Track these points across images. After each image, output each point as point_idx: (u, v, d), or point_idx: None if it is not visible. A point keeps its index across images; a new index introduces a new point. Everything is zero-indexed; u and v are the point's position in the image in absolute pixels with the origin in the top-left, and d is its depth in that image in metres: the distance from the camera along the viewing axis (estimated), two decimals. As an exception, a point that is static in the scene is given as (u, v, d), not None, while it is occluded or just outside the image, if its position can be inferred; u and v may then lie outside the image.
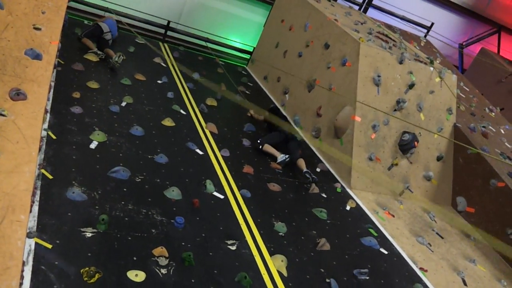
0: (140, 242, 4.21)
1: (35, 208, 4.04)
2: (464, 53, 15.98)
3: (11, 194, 3.58)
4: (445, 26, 15.08)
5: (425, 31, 13.52)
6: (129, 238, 4.21)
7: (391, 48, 8.31)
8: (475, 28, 16.22)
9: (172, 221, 4.64)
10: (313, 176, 6.66)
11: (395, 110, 7.65)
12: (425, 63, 8.22)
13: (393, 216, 6.79)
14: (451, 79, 8.42)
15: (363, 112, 7.37)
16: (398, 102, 7.63)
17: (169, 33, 11.17)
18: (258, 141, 7.05)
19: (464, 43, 15.90)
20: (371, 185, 7.28)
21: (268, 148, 6.98)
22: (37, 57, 5.14)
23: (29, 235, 3.71)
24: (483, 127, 8.85)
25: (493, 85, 14.20)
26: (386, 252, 5.75)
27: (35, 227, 3.87)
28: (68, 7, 8.22)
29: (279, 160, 6.84)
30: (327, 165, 7.49)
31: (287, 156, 6.88)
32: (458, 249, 6.70)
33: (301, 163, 6.88)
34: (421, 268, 5.70)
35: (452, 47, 15.83)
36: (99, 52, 7.98)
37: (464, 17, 15.96)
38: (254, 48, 11.58)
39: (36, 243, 3.72)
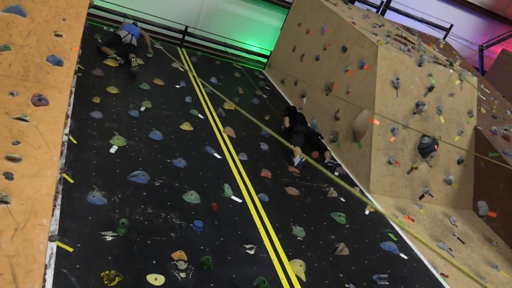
0: (159, 246, 4.24)
1: (57, 212, 4.11)
2: (484, 54, 15.72)
3: (33, 198, 3.64)
4: (465, 28, 14.86)
5: (444, 32, 13.35)
6: (149, 242, 4.24)
7: (410, 50, 8.24)
8: (495, 29, 15.95)
9: (190, 225, 4.66)
10: (334, 163, 7.34)
11: (414, 113, 7.57)
12: (445, 65, 8.12)
13: (413, 220, 6.70)
14: (472, 81, 8.30)
15: (381, 115, 7.30)
16: (417, 105, 7.55)
17: (187, 38, 11.26)
18: (292, 146, 7.05)
19: (484, 45, 15.64)
20: (390, 189, 7.20)
21: (295, 149, 7.01)
22: (58, 63, 5.23)
23: (51, 239, 3.76)
24: (505, 130, 8.69)
25: (515, 87, 13.93)
26: (406, 257, 5.67)
27: (57, 230, 3.92)
28: (88, 14, 8.38)
29: (295, 164, 6.91)
30: (345, 169, 7.44)
31: (302, 157, 6.92)
32: (480, 254, 6.58)
33: (327, 154, 7.54)
34: (442, 274, 5.61)
35: (472, 48, 15.60)
36: (118, 57, 8.09)
37: (484, 18, 15.70)
38: (271, 52, 11.60)
39: (58, 247, 3.77)
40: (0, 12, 5.36)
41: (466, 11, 15.25)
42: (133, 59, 7.84)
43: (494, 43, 15.74)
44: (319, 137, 7.88)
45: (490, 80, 12.82)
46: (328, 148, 7.80)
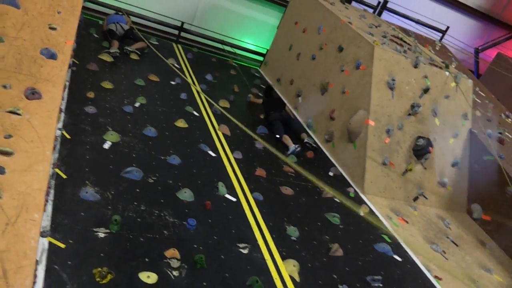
0: (152, 243, 4.19)
1: (49, 207, 4.04)
2: (480, 57, 15.77)
3: (25, 193, 3.58)
4: (461, 30, 14.89)
5: (441, 35, 13.37)
6: (141, 239, 4.19)
7: (406, 51, 8.23)
8: (491, 32, 16.00)
9: (184, 222, 4.61)
10: (313, 145, 7.60)
11: (409, 114, 7.55)
12: (440, 68, 8.12)
13: (407, 222, 6.70)
14: (467, 84, 8.30)
15: (377, 116, 7.29)
16: (412, 106, 7.54)
17: (183, 34, 11.18)
18: (277, 136, 7.65)
19: (480, 48, 15.70)
20: (385, 190, 7.19)
21: (285, 139, 7.53)
22: (52, 56, 5.16)
23: (42, 234, 3.70)
24: (500, 133, 8.71)
25: (509, 90, 13.96)
26: (400, 259, 5.66)
27: (49, 226, 3.86)
28: (83, 8, 8.31)
29: (290, 151, 7.26)
30: (340, 169, 7.41)
31: (297, 146, 7.32)
32: (473, 257, 6.58)
33: (304, 135, 7.86)
34: (435, 277, 5.60)
35: (467, 51, 15.65)
36: (111, 50, 8.03)
37: (480, 21, 15.75)
38: (267, 50, 11.55)
39: (50, 242, 3.71)
40: (-7, 4, 5.27)
41: (463, 14, 15.29)
42: (115, 51, 8.12)
43: (490, 46, 15.79)
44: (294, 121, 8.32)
45: (485, 83, 12.85)
46: (304, 132, 8.10)
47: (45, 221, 3.87)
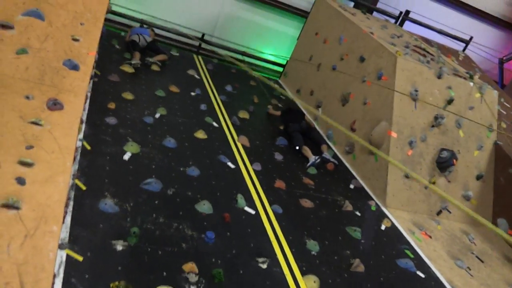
0: (170, 257, 4.14)
1: (68, 219, 4.04)
2: (504, 68, 15.44)
3: (44, 204, 3.58)
4: (485, 40, 14.62)
5: (464, 45, 13.14)
6: (160, 252, 4.15)
7: (429, 62, 8.08)
8: (516, 42, 15.70)
9: (202, 235, 4.56)
10: (331, 160, 7.40)
11: (432, 126, 7.39)
12: (465, 78, 7.95)
13: (430, 237, 6.52)
14: (492, 95, 8.11)
15: (399, 127, 7.15)
16: (436, 118, 7.38)
17: (204, 45, 11.24)
18: (297, 148, 7.54)
19: (504, 58, 15.37)
20: (407, 204, 7.03)
21: (305, 151, 7.41)
22: (75, 67, 5.20)
23: (61, 247, 3.69)
24: (526, 145, 8.46)
25: (535, 101, 13.61)
26: (423, 276, 5.49)
27: (67, 238, 3.85)
28: (105, 19, 8.42)
29: (310, 163, 7.14)
30: (361, 181, 7.28)
31: (317, 157, 7.22)
32: (500, 274, 6.35)
33: (324, 147, 7.71)
34: (460, 294, 5.42)
35: (491, 61, 15.35)
36: (133, 62, 8.10)
37: (504, 30, 15.44)
38: (287, 61, 11.52)
39: (68, 255, 3.69)
40: (19, 16, 5.36)
41: (486, 23, 15.02)
42: (137, 62, 8.19)
43: (514, 57, 15.46)
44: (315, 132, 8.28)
45: (510, 94, 12.57)
46: (325, 143, 8.00)
47: (64, 233, 3.87)
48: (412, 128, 7.25)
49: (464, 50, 12.99)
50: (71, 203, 4.23)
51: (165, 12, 11.21)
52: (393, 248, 5.82)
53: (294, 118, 8.20)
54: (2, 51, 4.93)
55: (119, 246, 4.03)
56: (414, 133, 7.24)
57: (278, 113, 8.66)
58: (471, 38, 13.00)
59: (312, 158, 7.21)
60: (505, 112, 9.76)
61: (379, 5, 12.62)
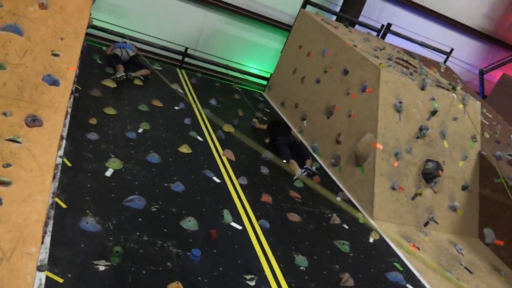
0: (155, 276, 4.00)
1: (47, 239, 3.88)
2: (485, 78, 15.70)
3: (22, 225, 3.43)
4: (465, 52, 14.87)
5: (445, 56, 13.32)
6: (144, 272, 4.01)
7: (412, 74, 8.14)
8: (495, 53, 15.97)
9: (188, 253, 4.43)
10: (313, 170, 7.26)
11: (417, 137, 7.41)
12: (448, 89, 8.01)
13: (418, 248, 6.48)
14: (475, 105, 8.19)
15: (384, 139, 7.15)
16: (420, 129, 7.40)
17: (187, 59, 11.17)
18: (284, 161, 7.46)
19: (484, 69, 15.63)
20: (394, 216, 6.99)
21: (292, 165, 7.37)
22: (55, 83, 5.08)
23: (40, 268, 3.54)
24: (509, 155, 8.53)
25: (516, 111, 13.85)
26: (412, 288, 5.43)
27: (47, 259, 3.70)
28: (86, 34, 8.31)
29: (297, 175, 7.09)
30: (347, 193, 7.23)
31: (303, 170, 7.17)
32: (489, 284, 6.33)
33: (309, 161, 7.57)
34: (450, 306, 5.37)
35: (472, 72, 15.59)
36: (118, 75, 7.99)
37: (484, 42, 15.74)
38: (271, 74, 11.51)
39: (47, 277, 3.54)
40: (-4, 30, 5.23)
41: (466, 36, 15.28)
42: (121, 75, 8.06)
43: (494, 68, 15.73)
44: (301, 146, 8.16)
45: (491, 104, 12.74)
46: (310, 157, 7.91)
47: (43, 254, 3.72)
48: (397, 139, 7.25)
49: (445, 61, 13.15)
50: (51, 222, 4.08)
51: (147, 26, 11.13)
52: (382, 261, 5.75)
53: (281, 131, 8.15)
54: (-21, 66, 4.79)
55: (102, 266, 3.88)
56: (399, 145, 7.24)
57: (264, 126, 8.61)
58: (451, 49, 13.18)
59: (299, 171, 7.15)
60: (487, 123, 9.87)
61: (361, 18, 12.74)
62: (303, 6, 11.20)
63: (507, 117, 11.98)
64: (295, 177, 7.05)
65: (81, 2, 6.36)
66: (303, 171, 7.15)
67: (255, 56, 12.96)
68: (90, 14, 6.75)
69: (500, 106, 13.08)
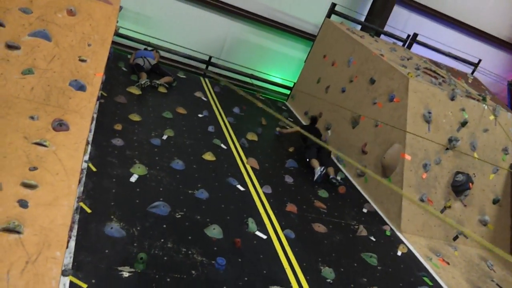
0: (179, 285, 3.90)
1: (72, 243, 3.83)
2: (512, 90, 15.32)
3: (47, 228, 3.39)
4: (493, 63, 14.53)
5: (472, 68, 13.04)
6: (168, 280, 3.91)
7: (441, 84, 7.95)
8: (524, 65, 15.60)
9: (213, 262, 4.33)
10: (340, 181, 7.27)
11: (447, 148, 7.20)
12: (478, 100, 7.78)
13: (448, 263, 6.24)
14: (506, 117, 7.93)
15: (413, 150, 6.96)
16: (450, 140, 7.19)
17: (210, 68, 11.18)
18: (307, 159, 7.52)
19: (512, 81, 15.26)
20: (423, 229, 6.77)
21: (313, 162, 7.40)
22: (81, 88, 5.08)
23: (64, 273, 3.48)
24: (542, 169, 8.22)
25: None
26: (443, 305, 5.21)
27: (71, 264, 3.64)
28: (113, 42, 8.37)
29: (316, 176, 7.16)
30: (374, 205, 7.04)
31: (322, 169, 7.22)
32: (523, 303, 6.05)
33: (330, 169, 7.46)
34: (484, 324, 5.12)
35: (500, 84, 15.22)
36: (142, 82, 8.02)
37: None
38: (294, 83, 11.42)
39: (71, 282, 3.47)
40: (25, 36, 5.27)
41: (494, 46, 14.95)
42: (145, 81, 8.13)
43: (523, 79, 15.33)
44: (328, 154, 7.98)
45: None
46: (332, 165, 7.84)
47: (67, 259, 3.66)
48: (426, 150, 7.05)
49: (472, 72, 12.87)
50: (76, 227, 4.04)
51: (172, 35, 11.19)
52: (411, 275, 5.54)
53: (314, 133, 8.09)
54: (8, 71, 4.83)
55: (126, 272, 3.80)
56: (428, 156, 7.04)
57: (292, 130, 8.44)
58: (479, 60, 12.90)
59: (318, 169, 7.21)
60: (518, 135, 9.55)
61: (386, 28, 12.59)
62: (328, 16, 11.11)
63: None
64: (315, 176, 7.15)
65: (108, 9, 6.39)
66: (322, 169, 7.19)
67: (278, 65, 12.91)
68: (117, 22, 6.79)
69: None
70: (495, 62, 14.87)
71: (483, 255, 7.01)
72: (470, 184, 7.12)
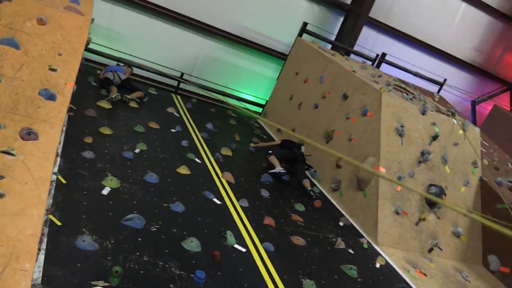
0: (157, 299, 3.71)
1: (41, 257, 3.60)
2: (476, 109, 15.84)
3: (15, 239, 3.15)
4: (457, 83, 15.02)
5: (437, 87, 13.43)
6: (144, 294, 3.72)
7: (412, 99, 8.10)
8: (486, 85, 16.19)
9: (191, 275, 4.15)
10: (317, 194, 7.26)
11: (419, 162, 7.28)
12: (447, 115, 7.96)
13: (425, 275, 6.23)
14: (475, 131, 8.14)
15: (387, 163, 7.00)
16: (422, 153, 7.29)
17: (182, 85, 11.06)
18: (269, 152, 7.69)
19: (476, 100, 15.80)
20: (399, 241, 6.77)
21: (272, 159, 7.55)
22: (51, 97, 4.87)
23: (32, 288, 3.23)
24: (509, 181, 8.42)
25: (508, 141, 13.92)
26: (424, 316, 5.17)
27: (40, 278, 3.40)
28: (84, 58, 8.17)
29: (272, 171, 7.28)
30: (349, 219, 7.01)
31: (282, 170, 7.35)
32: (499, 313, 6.08)
33: (306, 182, 7.42)
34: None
35: (464, 104, 15.73)
36: (113, 96, 7.83)
37: (475, 75, 15.97)
38: (266, 101, 11.43)
39: (41, 298, 3.23)
40: (-8, 44, 5.05)
41: (458, 68, 15.49)
42: (115, 95, 7.97)
43: (486, 99, 15.91)
44: (304, 166, 7.95)
45: (484, 134, 12.77)
46: (307, 177, 7.88)
47: (37, 273, 3.42)
48: (400, 163, 7.12)
49: (438, 91, 13.25)
50: (45, 240, 3.80)
51: (144, 51, 11.04)
52: (391, 287, 5.49)
53: (292, 144, 8.21)
54: (-27, 78, 4.59)
55: (100, 287, 3.58)
56: (402, 169, 7.10)
57: (270, 143, 8.55)
58: (445, 80, 13.31)
59: (278, 169, 7.30)
60: (485, 150, 9.82)
61: (356, 48, 12.84)
62: (300, 35, 11.25)
63: (500, 147, 12.00)
64: (270, 171, 7.32)
65: (80, 20, 6.24)
66: (281, 171, 7.31)
67: (250, 83, 12.91)
68: (89, 33, 6.63)
69: (492, 137, 13.12)
70: (459, 83, 15.38)
71: (458, 266, 7.05)
72: (443, 196, 7.20)
